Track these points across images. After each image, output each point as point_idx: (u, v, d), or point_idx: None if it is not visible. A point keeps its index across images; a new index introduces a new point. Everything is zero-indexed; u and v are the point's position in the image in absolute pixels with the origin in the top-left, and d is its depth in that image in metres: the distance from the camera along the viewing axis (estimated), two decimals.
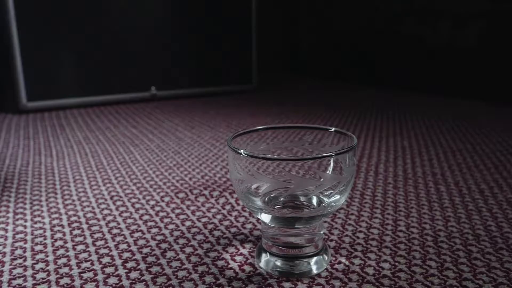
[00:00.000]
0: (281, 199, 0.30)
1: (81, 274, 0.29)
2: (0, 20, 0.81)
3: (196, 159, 0.55)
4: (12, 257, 0.32)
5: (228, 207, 0.41)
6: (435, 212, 0.39)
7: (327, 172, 0.27)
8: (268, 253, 0.30)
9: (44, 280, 0.29)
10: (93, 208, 0.40)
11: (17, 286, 0.28)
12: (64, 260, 0.31)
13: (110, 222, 0.37)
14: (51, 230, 0.36)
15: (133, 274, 0.29)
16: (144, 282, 0.28)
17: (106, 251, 0.33)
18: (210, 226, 0.37)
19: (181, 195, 0.44)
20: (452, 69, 1.02)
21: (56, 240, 0.34)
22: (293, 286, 0.28)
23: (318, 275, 0.29)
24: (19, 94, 0.83)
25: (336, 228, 0.36)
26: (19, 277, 0.29)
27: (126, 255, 0.32)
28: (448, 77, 1.03)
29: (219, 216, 0.39)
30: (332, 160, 0.27)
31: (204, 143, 0.63)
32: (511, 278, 0.29)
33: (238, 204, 0.41)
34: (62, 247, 0.33)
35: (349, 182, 0.28)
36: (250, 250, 0.33)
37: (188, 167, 0.52)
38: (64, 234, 0.35)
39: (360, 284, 0.28)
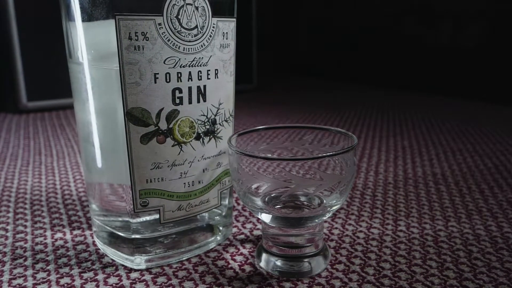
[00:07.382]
0: (282, 199, 0.30)
1: (82, 274, 0.30)
2: (0, 20, 0.81)
3: None
4: (12, 257, 0.32)
5: None
6: (435, 212, 0.39)
7: (327, 172, 0.28)
8: (268, 253, 0.30)
9: (45, 280, 0.29)
10: None
11: (17, 285, 0.28)
12: (64, 259, 0.31)
13: None
14: (51, 229, 0.36)
15: (133, 274, 0.29)
16: (144, 282, 0.28)
17: None
18: None
19: None
20: (452, 69, 1.02)
21: (56, 240, 0.34)
22: (293, 286, 0.28)
23: (318, 275, 0.29)
24: (19, 94, 0.83)
25: (336, 228, 0.36)
26: (19, 277, 0.29)
27: None
28: (448, 77, 1.03)
29: None
30: (332, 160, 0.27)
31: None
32: (511, 278, 0.29)
33: (238, 204, 0.41)
34: (62, 246, 0.33)
35: (349, 182, 0.28)
36: (250, 250, 0.33)
37: None
38: (65, 234, 0.35)
39: (360, 284, 0.28)
